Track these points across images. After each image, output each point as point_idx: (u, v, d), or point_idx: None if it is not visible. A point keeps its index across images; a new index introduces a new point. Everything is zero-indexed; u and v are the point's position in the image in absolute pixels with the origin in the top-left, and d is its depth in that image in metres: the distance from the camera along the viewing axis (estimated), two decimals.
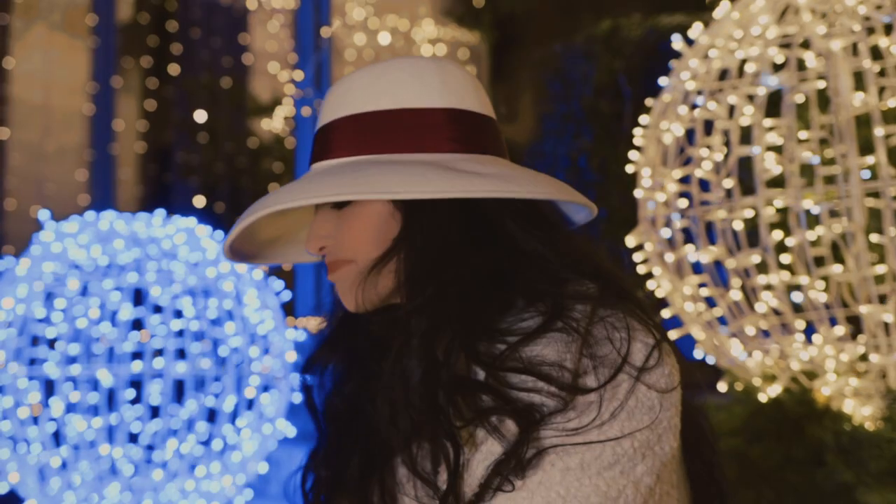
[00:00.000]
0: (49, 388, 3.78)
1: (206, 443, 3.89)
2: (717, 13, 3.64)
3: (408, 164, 1.21)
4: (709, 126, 3.52)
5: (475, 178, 1.20)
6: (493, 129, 1.33)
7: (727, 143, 3.43)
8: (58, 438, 3.79)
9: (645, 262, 3.69)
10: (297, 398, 4.23)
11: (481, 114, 1.31)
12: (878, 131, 3.17)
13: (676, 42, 3.67)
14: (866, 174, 3.23)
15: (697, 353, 3.70)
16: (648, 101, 3.81)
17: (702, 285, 3.52)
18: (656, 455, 1.13)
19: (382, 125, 1.26)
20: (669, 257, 3.54)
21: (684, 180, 3.56)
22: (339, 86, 1.32)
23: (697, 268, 3.54)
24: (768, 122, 3.32)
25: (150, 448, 3.84)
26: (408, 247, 1.22)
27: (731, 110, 3.45)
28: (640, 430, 1.11)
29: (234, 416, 3.94)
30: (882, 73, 3.33)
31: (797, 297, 3.32)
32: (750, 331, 3.41)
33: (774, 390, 3.41)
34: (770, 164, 3.31)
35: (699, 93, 3.53)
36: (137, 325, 3.86)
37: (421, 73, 1.29)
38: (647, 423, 1.12)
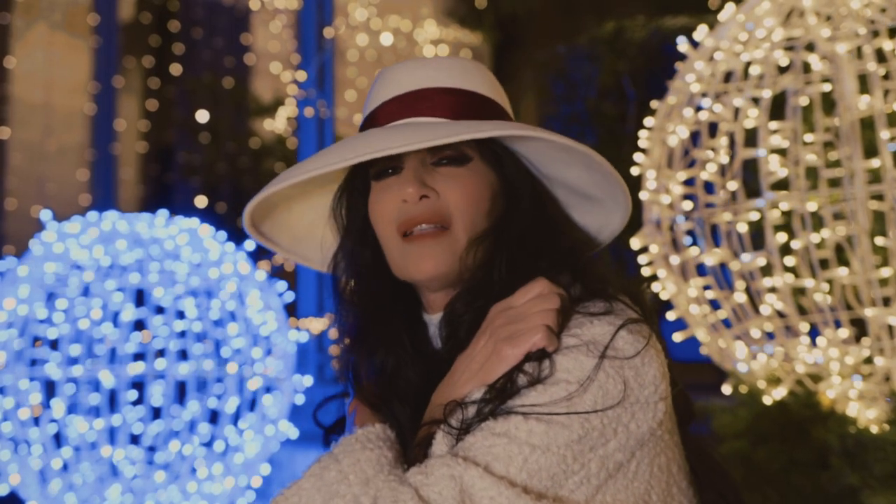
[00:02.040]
0: (50, 389, 3.77)
1: (209, 444, 3.88)
2: (722, 16, 3.63)
3: (518, 126, 1.31)
4: (714, 128, 3.51)
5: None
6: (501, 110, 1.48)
7: (732, 146, 3.42)
8: (59, 440, 3.78)
9: (650, 264, 3.68)
10: (300, 399, 4.22)
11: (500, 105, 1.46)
12: (883, 134, 3.16)
13: (682, 44, 3.66)
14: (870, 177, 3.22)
15: (702, 356, 3.69)
16: (653, 104, 3.81)
17: (706, 287, 3.51)
18: (630, 432, 1.16)
19: (473, 103, 1.37)
20: (674, 259, 3.53)
21: (689, 182, 3.55)
22: (421, 63, 1.41)
23: (702, 270, 3.53)
24: (773, 124, 3.31)
25: (152, 449, 3.83)
26: (511, 228, 1.31)
27: (736, 113, 3.44)
28: (613, 406, 1.15)
29: (236, 418, 3.93)
30: (887, 77, 3.32)
31: (802, 299, 3.31)
32: (755, 333, 3.40)
33: (779, 393, 3.40)
34: (775, 167, 3.30)
35: (704, 95, 3.52)
36: (139, 325, 3.85)
37: (492, 77, 1.45)
38: (619, 399, 1.15)
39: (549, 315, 1.18)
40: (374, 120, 1.39)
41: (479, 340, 1.21)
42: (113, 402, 3.78)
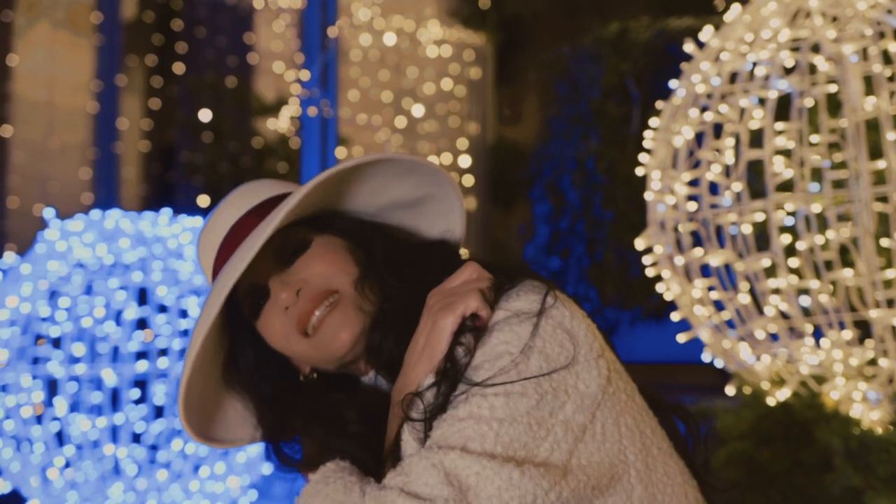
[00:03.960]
0: (53, 387, 3.77)
1: None
2: (728, 16, 3.63)
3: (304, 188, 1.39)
4: (719, 129, 3.50)
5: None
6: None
7: (737, 147, 3.42)
8: (61, 438, 3.78)
9: (654, 265, 3.68)
10: None
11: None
12: (889, 136, 3.16)
13: (687, 45, 3.66)
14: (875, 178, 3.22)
15: (706, 357, 3.69)
16: (658, 104, 3.80)
17: (711, 289, 3.51)
18: (581, 392, 1.21)
19: (262, 211, 1.45)
20: (679, 260, 3.53)
21: (694, 183, 3.54)
22: (215, 215, 1.49)
23: (706, 271, 3.53)
24: (778, 125, 3.30)
25: (154, 448, 3.83)
26: (377, 260, 1.40)
27: (742, 113, 3.43)
28: (558, 369, 1.20)
29: None
30: (892, 78, 3.32)
31: (806, 300, 3.31)
32: (759, 334, 3.40)
33: (783, 394, 3.39)
34: (780, 168, 3.29)
35: (709, 96, 3.51)
36: (142, 324, 3.84)
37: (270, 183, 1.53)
38: (564, 362, 1.21)
39: (482, 284, 1.27)
40: (217, 274, 1.46)
41: (420, 324, 1.29)
42: (115, 400, 3.78)
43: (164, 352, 3.82)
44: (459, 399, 1.19)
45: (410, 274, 1.38)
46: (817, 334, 3.34)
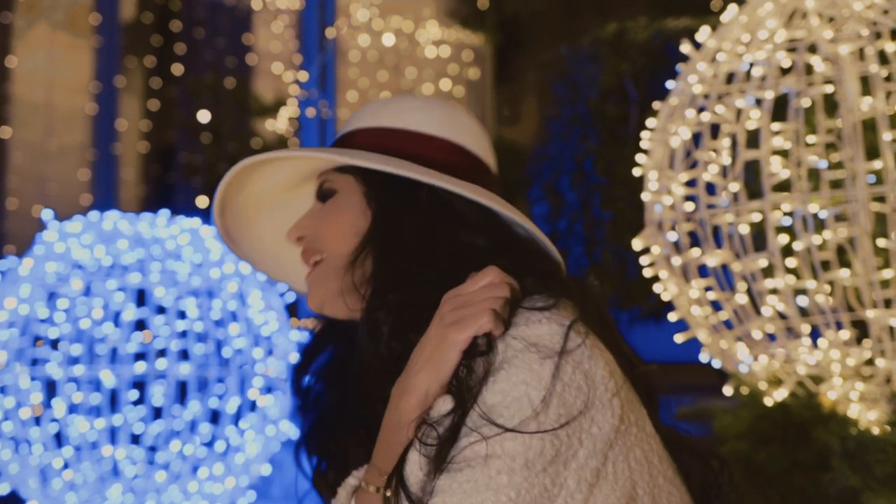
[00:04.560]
0: (51, 388, 3.77)
1: (210, 444, 3.88)
2: (725, 17, 3.63)
3: (404, 164, 1.32)
4: (716, 130, 3.51)
5: (460, 185, 1.30)
6: (487, 174, 1.42)
7: (734, 147, 3.42)
8: (60, 439, 3.78)
9: (651, 265, 3.68)
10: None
11: (481, 159, 1.42)
12: (885, 136, 3.17)
13: (684, 45, 3.66)
14: (872, 178, 3.22)
15: (703, 357, 3.69)
16: (656, 105, 3.80)
17: (708, 289, 3.51)
18: (594, 436, 1.15)
19: (394, 140, 1.38)
20: (676, 261, 3.53)
21: (691, 184, 3.55)
22: (370, 105, 1.45)
23: (703, 271, 3.53)
24: (775, 126, 3.31)
25: (153, 449, 3.83)
26: (377, 244, 1.32)
27: (739, 114, 3.44)
28: (575, 417, 1.13)
29: (237, 418, 3.93)
30: (889, 78, 3.32)
31: (803, 301, 3.31)
32: (756, 335, 3.40)
33: (780, 394, 3.40)
34: (777, 168, 3.30)
35: (706, 96, 3.52)
36: (141, 325, 3.84)
37: (440, 107, 1.43)
38: (581, 407, 1.14)
39: (497, 302, 1.17)
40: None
41: (429, 329, 1.21)
42: (114, 401, 3.78)
43: (162, 353, 3.83)
44: (473, 444, 1.12)
45: (439, 270, 1.27)
46: (815, 334, 3.35)
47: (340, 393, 1.41)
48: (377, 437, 1.25)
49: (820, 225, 3.31)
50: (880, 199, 3.25)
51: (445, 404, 1.17)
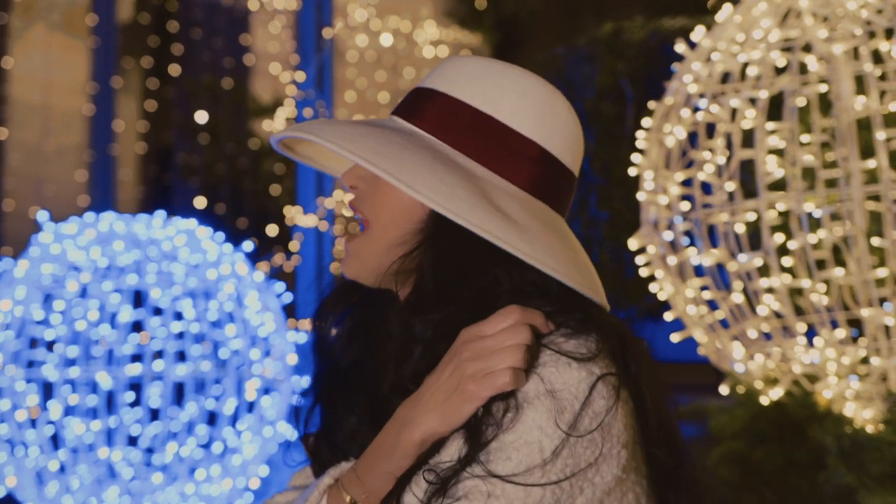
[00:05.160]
0: (47, 390, 3.77)
1: (207, 446, 3.88)
2: (720, 17, 3.63)
3: (462, 185, 1.19)
4: (711, 129, 3.51)
5: (513, 230, 1.19)
6: (570, 185, 1.31)
7: (729, 147, 3.43)
8: (56, 441, 3.78)
9: (647, 265, 3.68)
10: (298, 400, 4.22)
11: (568, 168, 1.29)
12: (880, 135, 3.17)
13: (679, 45, 3.66)
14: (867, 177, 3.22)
15: (699, 356, 3.70)
16: (651, 104, 3.81)
17: (704, 288, 3.52)
18: (596, 486, 1.14)
19: (478, 126, 1.25)
20: (672, 260, 3.54)
21: (686, 183, 3.55)
22: (465, 62, 1.30)
23: (699, 271, 3.53)
24: (770, 125, 3.31)
25: (150, 451, 3.83)
26: (431, 247, 1.23)
27: (734, 113, 3.44)
28: (582, 469, 1.11)
29: (234, 419, 3.93)
30: (883, 77, 3.33)
31: (799, 300, 3.31)
32: (752, 334, 3.41)
33: (776, 393, 3.40)
34: (772, 168, 3.30)
35: (701, 96, 3.52)
36: (137, 327, 3.84)
37: (540, 100, 1.27)
38: (590, 459, 1.12)
39: (518, 352, 1.11)
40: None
41: (445, 368, 1.15)
42: (110, 403, 3.78)
43: (159, 354, 3.83)
44: (476, 478, 1.11)
45: (462, 275, 1.21)
46: (810, 333, 3.35)
47: (358, 352, 1.36)
48: (369, 422, 1.26)
49: (815, 224, 3.31)
50: (875, 197, 3.25)
51: (455, 450, 1.14)
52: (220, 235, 4.12)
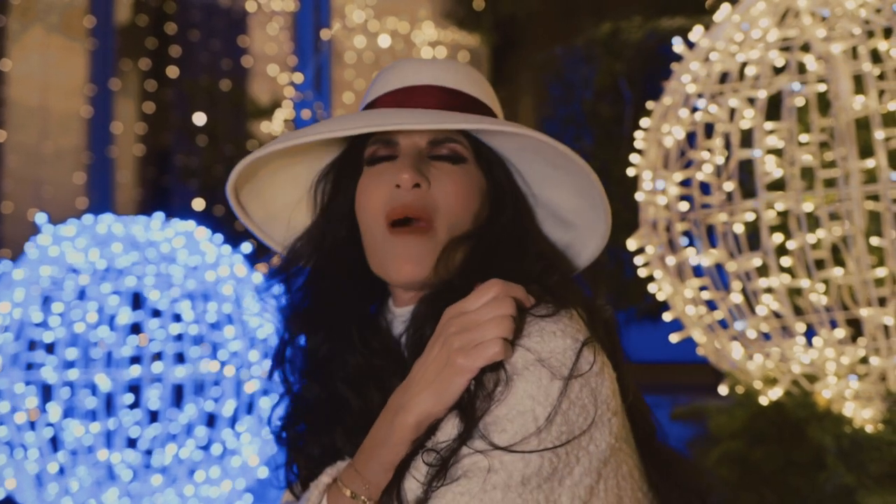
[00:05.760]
0: (46, 392, 3.76)
1: (206, 447, 3.88)
2: (718, 16, 3.63)
3: (522, 129, 1.28)
4: (709, 129, 3.51)
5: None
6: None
7: (728, 147, 3.43)
8: (55, 444, 3.77)
9: (646, 265, 3.68)
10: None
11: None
12: (878, 134, 3.17)
13: (677, 45, 3.66)
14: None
15: (698, 356, 3.69)
16: (649, 104, 3.81)
17: (703, 288, 3.52)
18: (591, 454, 1.15)
19: (468, 104, 1.36)
20: (670, 260, 3.53)
21: (685, 183, 3.55)
22: (421, 63, 1.40)
23: (698, 271, 3.53)
24: (769, 125, 3.31)
25: (149, 453, 3.82)
26: (490, 235, 1.29)
27: (732, 113, 3.44)
28: (576, 436, 1.12)
29: (233, 421, 3.93)
30: (882, 77, 3.32)
31: (798, 300, 3.31)
32: (751, 334, 3.40)
33: (775, 393, 3.40)
34: (770, 167, 3.30)
35: (700, 96, 3.52)
36: (136, 329, 3.84)
37: (488, 85, 1.45)
38: (583, 426, 1.13)
39: (504, 323, 1.12)
40: (372, 108, 1.38)
41: (433, 347, 1.15)
42: (109, 405, 3.78)
43: (157, 356, 3.82)
44: (474, 455, 1.11)
45: (497, 274, 1.19)
46: (809, 333, 3.35)
47: (318, 387, 1.36)
48: (359, 404, 1.28)
49: (814, 223, 3.31)
50: (874, 197, 3.25)
51: (452, 428, 1.14)
52: (219, 237, 4.12)
